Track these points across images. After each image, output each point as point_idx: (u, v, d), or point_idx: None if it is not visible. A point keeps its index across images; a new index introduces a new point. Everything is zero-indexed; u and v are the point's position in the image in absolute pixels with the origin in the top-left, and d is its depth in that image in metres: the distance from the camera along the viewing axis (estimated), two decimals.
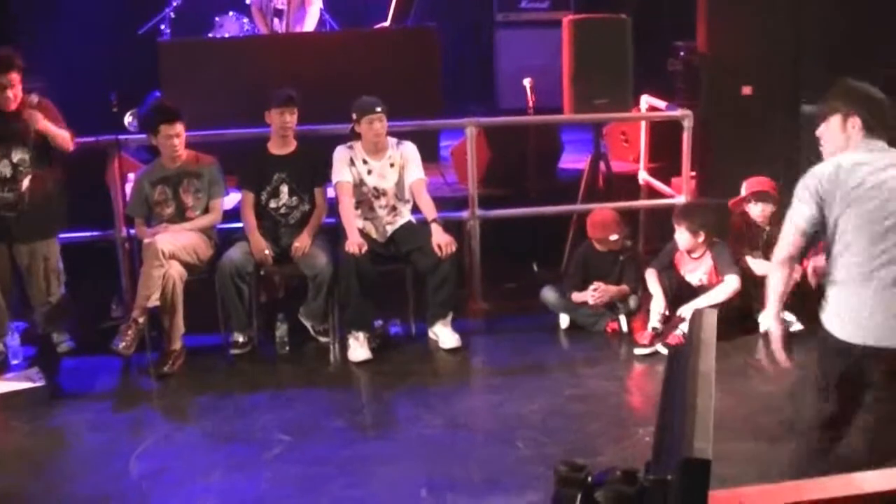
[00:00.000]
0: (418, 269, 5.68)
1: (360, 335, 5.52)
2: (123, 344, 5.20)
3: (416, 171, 5.76)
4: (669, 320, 5.61)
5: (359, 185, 5.69)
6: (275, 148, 5.77)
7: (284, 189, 5.71)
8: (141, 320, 5.28)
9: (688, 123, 6.47)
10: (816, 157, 3.54)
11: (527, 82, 6.78)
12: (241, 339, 5.64)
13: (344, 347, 5.57)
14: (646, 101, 7.04)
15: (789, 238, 3.39)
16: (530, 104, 6.80)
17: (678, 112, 6.61)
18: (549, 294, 5.97)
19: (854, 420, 3.47)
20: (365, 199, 5.74)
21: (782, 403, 4.82)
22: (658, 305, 5.62)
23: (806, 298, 4.90)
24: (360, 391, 5.30)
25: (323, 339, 5.73)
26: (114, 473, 4.30)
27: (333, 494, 4.06)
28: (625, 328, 5.79)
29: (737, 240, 5.88)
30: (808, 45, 6.42)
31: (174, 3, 7.88)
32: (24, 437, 4.74)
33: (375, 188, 5.72)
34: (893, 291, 3.26)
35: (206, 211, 5.66)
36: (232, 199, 5.93)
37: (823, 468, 3.33)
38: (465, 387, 5.37)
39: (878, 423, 3.41)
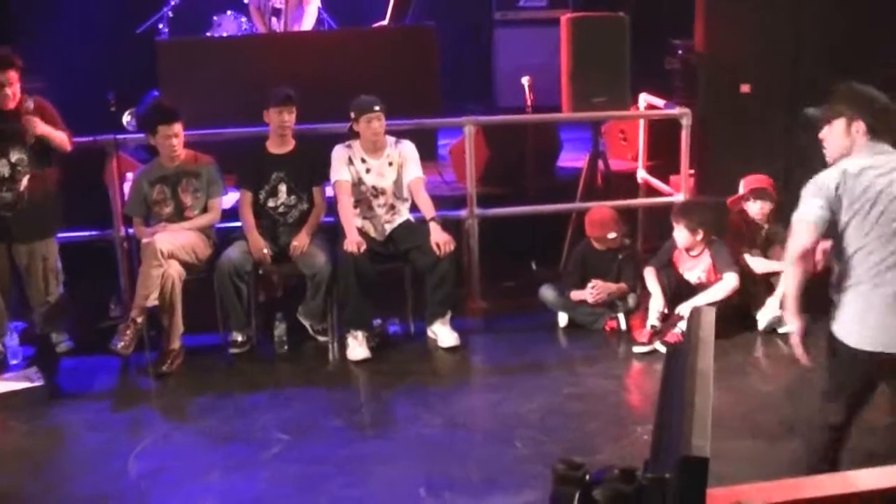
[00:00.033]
0: (417, 268, 5.68)
1: (359, 334, 5.52)
2: (122, 343, 5.20)
3: (414, 170, 5.76)
4: (668, 318, 5.60)
5: (357, 183, 5.69)
6: (273, 147, 5.77)
7: (283, 188, 5.71)
8: (140, 320, 5.28)
9: (686, 121, 6.47)
10: (817, 158, 3.54)
11: (525, 81, 6.78)
12: (239, 339, 5.64)
13: (343, 346, 5.57)
14: (644, 99, 7.03)
15: (802, 235, 3.35)
16: (529, 103, 6.81)
17: (676, 110, 6.61)
18: (547, 292, 5.97)
19: (856, 420, 3.48)
20: (363, 198, 5.74)
21: (781, 402, 4.83)
22: (657, 304, 5.62)
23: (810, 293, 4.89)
24: (359, 390, 5.30)
25: (322, 339, 5.73)
26: (112, 473, 4.30)
27: (332, 494, 4.06)
28: (623, 326, 5.80)
29: (735, 238, 5.88)
30: (808, 45, 6.40)
31: (172, 3, 7.86)
32: (22, 437, 4.74)
33: (374, 187, 5.72)
34: None
35: (204, 210, 5.66)
36: (230, 199, 5.92)
37: (824, 468, 3.33)
38: (463, 386, 5.36)
39: None
